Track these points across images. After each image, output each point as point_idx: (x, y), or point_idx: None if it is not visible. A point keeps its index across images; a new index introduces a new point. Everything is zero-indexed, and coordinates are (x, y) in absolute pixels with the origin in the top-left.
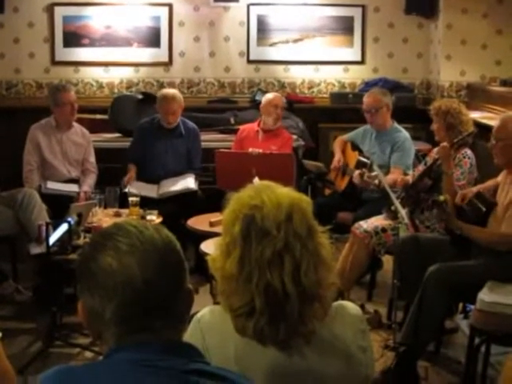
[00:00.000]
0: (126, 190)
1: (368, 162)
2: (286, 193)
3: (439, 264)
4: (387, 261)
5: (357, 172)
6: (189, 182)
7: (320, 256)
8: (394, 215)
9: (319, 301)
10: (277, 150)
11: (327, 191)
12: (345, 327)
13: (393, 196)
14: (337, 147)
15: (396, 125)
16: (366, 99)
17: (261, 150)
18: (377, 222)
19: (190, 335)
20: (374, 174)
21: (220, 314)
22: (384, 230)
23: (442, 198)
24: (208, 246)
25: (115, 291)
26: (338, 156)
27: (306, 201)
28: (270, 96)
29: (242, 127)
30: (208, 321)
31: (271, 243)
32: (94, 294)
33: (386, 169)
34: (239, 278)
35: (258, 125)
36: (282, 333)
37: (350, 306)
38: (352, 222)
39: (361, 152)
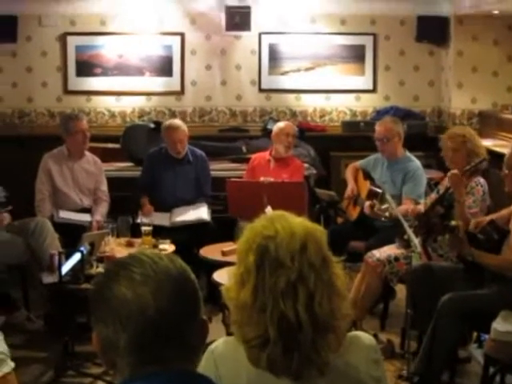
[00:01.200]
0: (139, 221)
1: (380, 191)
2: (300, 222)
3: (452, 293)
4: (400, 290)
5: (367, 203)
6: (202, 213)
7: (334, 286)
8: (406, 244)
9: (333, 331)
10: (288, 178)
11: (339, 220)
12: (358, 357)
13: (406, 225)
14: (349, 175)
15: (408, 153)
16: (378, 128)
17: (272, 179)
18: (389, 250)
19: (203, 365)
20: (384, 206)
21: (234, 345)
22: (397, 258)
23: (453, 222)
24: (221, 276)
25: (129, 321)
26: (351, 185)
27: (320, 231)
28: (281, 124)
29: (253, 156)
30: (221, 351)
31: (285, 274)
32: (108, 323)
33: (397, 198)
34: (253, 308)
35: (270, 153)
36: (295, 363)
37: (364, 336)
38: (364, 251)
39: (372, 181)
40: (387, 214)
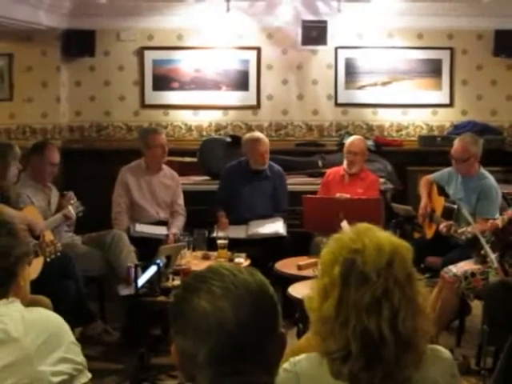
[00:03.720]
0: (215, 234)
1: (455, 207)
2: (387, 237)
3: None
4: (476, 306)
5: (443, 225)
6: (278, 227)
7: (417, 304)
8: (483, 259)
9: (415, 348)
10: (363, 193)
11: (416, 235)
12: (436, 371)
13: (483, 240)
14: (423, 189)
15: (482, 170)
16: (456, 145)
17: (348, 196)
18: (466, 266)
19: (283, 378)
20: (460, 230)
21: (317, 361)
22: (473, 274)
23: None
24: (296, 290)
25: (209, 334)
26: (424, 201)
27: (406, 247)
28: (348, 143)
29: (328, 171)
30: (305, 367)
31: (370, 289)
32: (188, 336)
33: (472, 216)
34: (336, 321)
35: (344, 168)
36: (378, 378)
37: (442, 350)
38: (441, 266)
39: (447, 196)
40: (464, 237)
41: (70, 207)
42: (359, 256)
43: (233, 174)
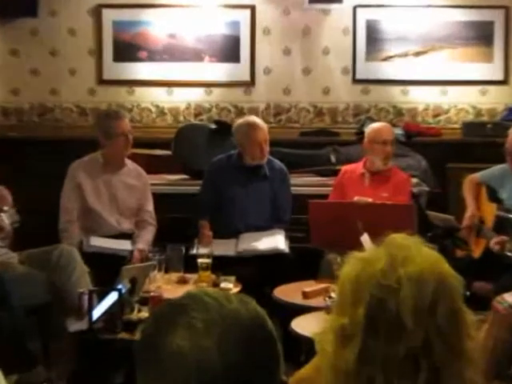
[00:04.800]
0: (194, 251)
1: (511, 216)
2: (430, 265)
3: None
4: None
5: (495, 240)
6: (278, 241)
7: (466, 354)
8: None
9: None
10: (389, 197)
11: (459, 252)
12: None
13: None
14: (468, 193)
15: None
16: (510, 136)
17: (370, 200)
18: None
19: None
20: None
21: None
22: None
23: None
24: (301, 324)
25: (187, 381)
26: (470, 210)
27: (456, 279)
28: (374, 129)
29: (343, 168)
30: None
31: (405, 341)
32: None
33: None
34: (356, 378)
35: (364, 165)
36: None
37: None
38: (493, 294)
39: (499, 203)
40: None
41: (3, 215)
42: (392, 297)
43: (220, 172)
